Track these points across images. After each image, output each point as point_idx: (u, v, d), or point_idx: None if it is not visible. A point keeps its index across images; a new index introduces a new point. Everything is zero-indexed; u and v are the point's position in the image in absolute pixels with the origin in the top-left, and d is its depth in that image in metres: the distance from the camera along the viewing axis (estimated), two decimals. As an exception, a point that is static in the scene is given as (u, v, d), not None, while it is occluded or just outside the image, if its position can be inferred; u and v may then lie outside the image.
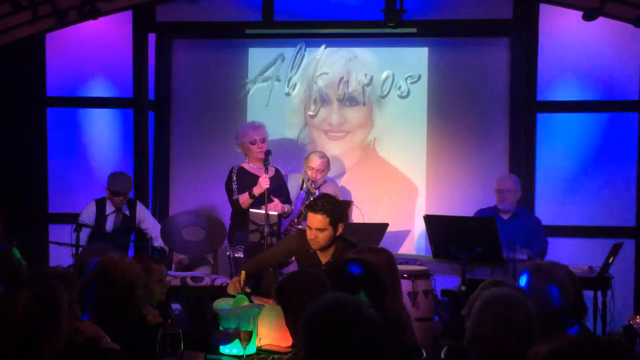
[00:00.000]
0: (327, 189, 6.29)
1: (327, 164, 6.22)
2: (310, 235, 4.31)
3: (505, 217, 6.03)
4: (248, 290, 4.22)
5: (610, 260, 5.46)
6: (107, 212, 6.20)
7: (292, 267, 5.72)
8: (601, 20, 6.18)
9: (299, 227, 5.82)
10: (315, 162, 6.14)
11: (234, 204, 5.82)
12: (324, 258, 4.39)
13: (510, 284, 2.84)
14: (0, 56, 6.46)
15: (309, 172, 6.14)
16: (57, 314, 2.34)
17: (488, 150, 6.93)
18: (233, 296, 4.02)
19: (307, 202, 5.94)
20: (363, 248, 3.72)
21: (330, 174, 6.47)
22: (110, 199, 6.17)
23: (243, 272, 4.35)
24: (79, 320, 2.88)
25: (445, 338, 5.35)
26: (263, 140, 5.86)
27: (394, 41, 7.00)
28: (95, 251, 3.90)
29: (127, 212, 6.27)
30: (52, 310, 2.33)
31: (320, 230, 4.27)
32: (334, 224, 4.29)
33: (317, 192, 6.00)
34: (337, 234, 4.33)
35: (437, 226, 5.42)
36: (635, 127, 6.65)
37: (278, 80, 7.10)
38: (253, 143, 5.86)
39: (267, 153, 5.65)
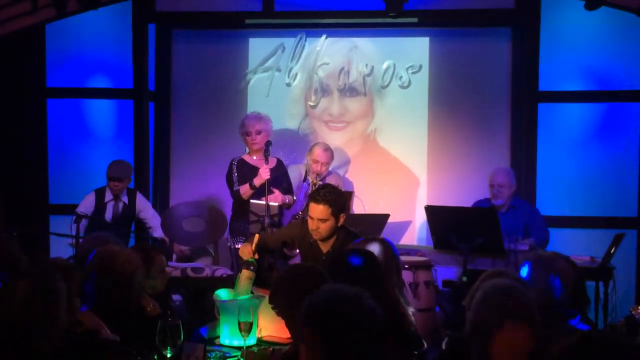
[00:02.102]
0: (331, 181, 6.26)
1: (331, 156, 6.19)
2: (311, 225, 4.29)
3: (501, 210, 5.97)
4: (256, 256, 4.21)
5: (612, 251, 5.44)
6: (105, 200, 6.23)
7: (297, 260, 5.73)
8: (604, 9, 6.15)
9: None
10: (319, 154, 6.11)
11: (235, 195, 5.82)
12: (325, 248, 4.39)
13: (511, 275, 2.82)
14: (0, 47, 6.44)
15: (313, 165, 6.10)
16: (56, 304, 2.34)
17: (489, 141, 6.90)
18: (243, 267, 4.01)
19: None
20: (364, 239, 3.71)
21: (331, 165, 6.45)
22: (108, 186, 6.21)
23: (257, 236, 4.34)
24: (79, 312, 2.87)
25: (447, 329, 5.35)
26: (258, 133, 5.82)
27: (395, 31, 6.97)
28: (97, 240, 3.89)
29: (126, 201, 6.28)
30: (51, 300, 2.33)
31: (322, 220, 4.25)
32: (335, 214, 4.26)
33: (321, 184, 5.96)
34: (339, 225, 4.31)
35: (438, 217, 5.41)
36: (637, 117, 6.63)
37: (278, 70, 7.08)
38: (247, 134, 5.85)
39: (268, 144, 5.64)
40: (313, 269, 3.08)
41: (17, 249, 3.62)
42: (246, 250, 4.27)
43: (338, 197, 4.29)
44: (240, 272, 3.91)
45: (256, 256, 4.22)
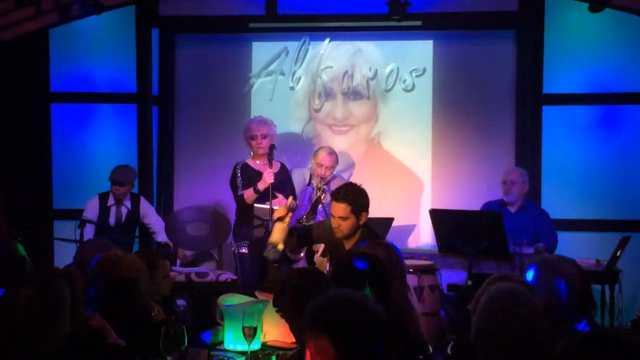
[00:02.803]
0: (335, 185, 6.25)
1: (335, 160, 6.18)
2: (333, 223, 4.37)
3: (513, 209, 5.99)
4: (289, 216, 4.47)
5: (618, 254, 5.42)
6: (108, 204, 6.22)
7: (302, 263, 5.73)
8: (607, 11, 6.13)
9: (307, 224, 5.82)
10: (324, 158, 6.09)
11: (239, 199, 5.81)
12: (348, 245, 4.43)
13: (517, 279, 2.81)
14: (4, 52, 6.45)
15: (318, 169, 6.09)
16: (59, 309, 2.33)
17: (494, 144, 6.89)
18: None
19: (314, 198, 5.92)
20: (368, 242, 3.71)
21: (336, 169, 6.44)
22: (111, 190, 6.20)
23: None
24: (85, 316, 2.86)
25: (452, 333, 5.33)
26: (264, 137, 5.81)
27: (399, 34, 6.96)
28: (94, 246, 3.88)
29: (129, 206, 6.27)
30: (54, 306, 2.32)
31: (343, 218, 4.32)
32: (356, 212, 4.32)
33: (325, 188, 5.97)
34: (361, 222, 4.36)
35: (442, 220, 5.39)
36: (642, 120, 6.61)
37: (282, 74, 7.07)
38: (253, 138, 5.84)
39: (271, 148, 5.64)
40: (317, 272, 3.07)
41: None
42: (280, 211, 4.47)
43: (358, 196, 4.37)
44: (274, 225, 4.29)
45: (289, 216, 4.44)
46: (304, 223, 5.87)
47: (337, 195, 4.37)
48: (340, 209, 4.32)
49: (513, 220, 5.58)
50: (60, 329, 2.31)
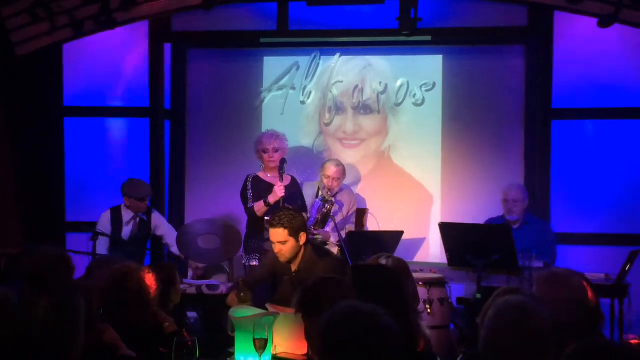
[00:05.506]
0: (344, 197, 6.32)
1: (343, 172, 6.24)
2: (275, 249, 4.55)
3: (515, 226, 5.99)
4: (242, 295, 4.37)
5: (627, 268, 5.42)
6: (125, 220, 6.24)
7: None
8: (617, 26, 6.16)
9: (315, 234, 5.86)
10: (331, 170, 6.16)
11: (249, 212, 5.85)
12: (294, 267, 4.61)
13: (524, 292, 2.83)
14: (18, 66, 6.52)
15: (325, 181, 6.15)
16: (76, 320, 2.37)
17: (503, 158, 6.91)
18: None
19: (324, 210, 5.97)
20: (378, 256, 3.74)
21: (345, 182, 6.48)
22: (132, 205, 6.20)
23: (241, 282, 4.53)
24: (98, 329, 2.90)
25: (461, 346, 5.34)
26: (275, 150, 5.88)
27: (409, 49, 7.01)
28: (105, 262, 3.93)
29: (144, 218, 6.31)
30: (71, 318, 2.36)
31: (282, 243, 4.49)
32: (294, 235, 4.49)
33: (333, 200, 6.03)
34: (301, 243, 4.53)
35: (452, 233, 5.41)
36: (651, 134, 6.62)
37: (293, 88, 7.13)
38: (265, 152, 5.90)
39: (282, 161, 5.70)
40: (343, 281, 3.09)
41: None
42: (230, 299, 4.47)
43: (293, 219, 4.51)
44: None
45: (242, 295, 4.37)
46: (312, 233, 5.91)
47: (272, 222, 4.53)
48: (278, 234, 4.48)
49: (516, 236, 5.58)
50: (78, 341, 2.34)
